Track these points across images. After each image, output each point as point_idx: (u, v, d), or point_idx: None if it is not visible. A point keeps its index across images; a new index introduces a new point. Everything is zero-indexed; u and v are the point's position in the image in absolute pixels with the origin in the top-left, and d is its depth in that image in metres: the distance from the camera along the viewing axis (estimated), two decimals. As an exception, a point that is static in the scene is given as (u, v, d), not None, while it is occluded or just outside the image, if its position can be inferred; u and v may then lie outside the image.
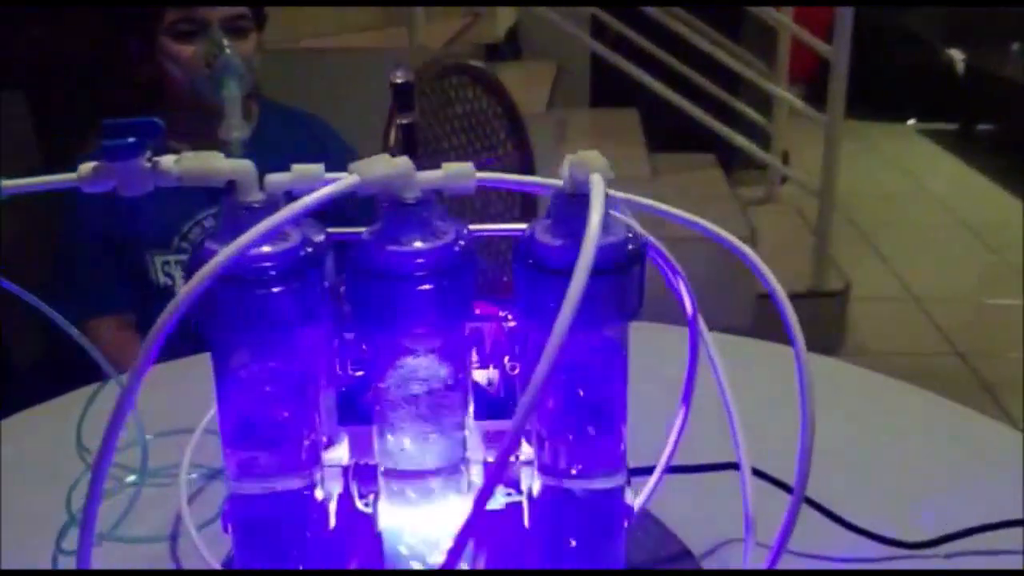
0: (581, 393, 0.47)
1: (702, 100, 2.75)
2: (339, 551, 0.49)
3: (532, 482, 0.49)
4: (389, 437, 0.47)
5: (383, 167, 0.43)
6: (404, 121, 0.55)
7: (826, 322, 2.60)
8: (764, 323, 2.57)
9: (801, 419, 0.45)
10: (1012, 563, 0.61)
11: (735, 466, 0.70)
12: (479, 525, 0.44)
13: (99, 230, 1.31)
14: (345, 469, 0.51)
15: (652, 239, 0.51)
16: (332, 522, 0.49)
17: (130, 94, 1.42)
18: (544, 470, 0.48)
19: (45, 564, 0.60)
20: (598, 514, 0.49)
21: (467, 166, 0.50)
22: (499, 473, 0.40)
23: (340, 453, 0.52)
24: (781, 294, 0.47)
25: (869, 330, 2.69)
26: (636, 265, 0.44)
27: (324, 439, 0.54)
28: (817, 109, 2.60)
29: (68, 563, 0.60)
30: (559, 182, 0.45)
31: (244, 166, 0.44)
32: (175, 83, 1.28)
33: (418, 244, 0.44)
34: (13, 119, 1.62)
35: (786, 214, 3.20)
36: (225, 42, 1.25)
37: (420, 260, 0.44)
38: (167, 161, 0.44)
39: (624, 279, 0.44)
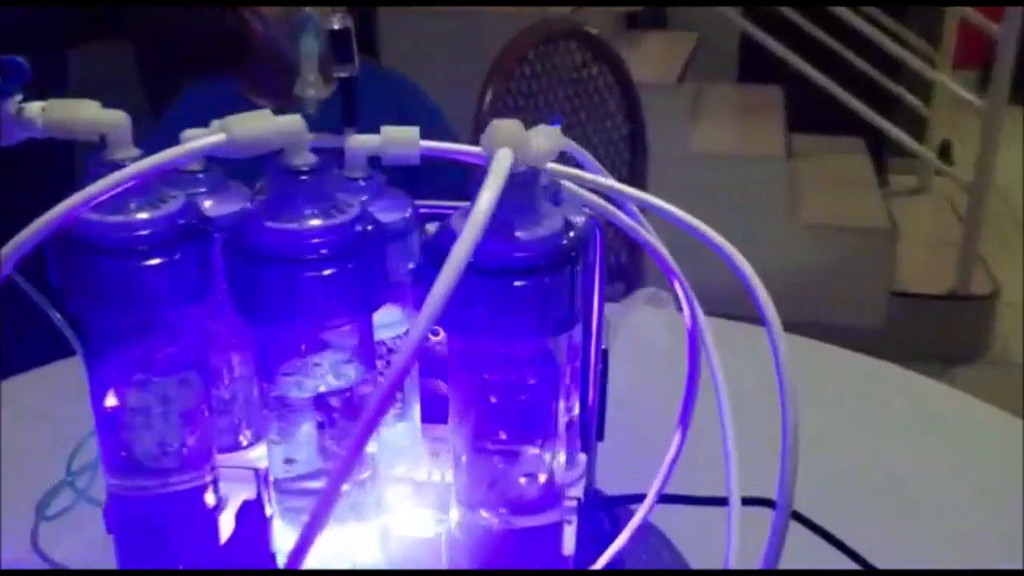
0: (500, 415, 0.39)
1: (856, 82, 2.55)
2: (226, 566, 0.43)
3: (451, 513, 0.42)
4: (280, 446, 0.40)
5: (260, 123, 0.36)
6: (342, 74, 0.48)
7: (967, 328, 2.38)
8: (898, 324, 2.38)
9: (782, 436, 0.36)
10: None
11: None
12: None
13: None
14: (258, 473, 0.45)
15: (647, 236, 0.43)
16: (223, 534, 0.43)
17: (217, 46, 1.41)
18: (460, 500, 0.41)
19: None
20: (523, 556, 0.41)
21: (411, 131, 0.44)
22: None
23: (259, 453, 0.46)
24: (753, 279, 0.37)
25: (1017, 340, 2.44)
26: (562, 268, 0.36)
27: (245, 438, 0.48)
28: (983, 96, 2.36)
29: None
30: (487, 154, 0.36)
31: (117, 119, 0.38)
32: (256, 37, 1.25)
33: (312, 221, 0.37)
34: (121, 65, 1.64)
35: (939, 208, 2.95)
36: (304, -4, 1.20)
37: (315, 240, 0.37)
38: (33, 108, 0.38)
39: (540, 282, 0.35)
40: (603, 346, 0.65)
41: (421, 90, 1.44)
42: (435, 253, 0.36)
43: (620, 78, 1.73)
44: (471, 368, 0.37)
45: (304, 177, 0.37)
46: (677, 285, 0.43)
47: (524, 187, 0.36)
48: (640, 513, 0.50)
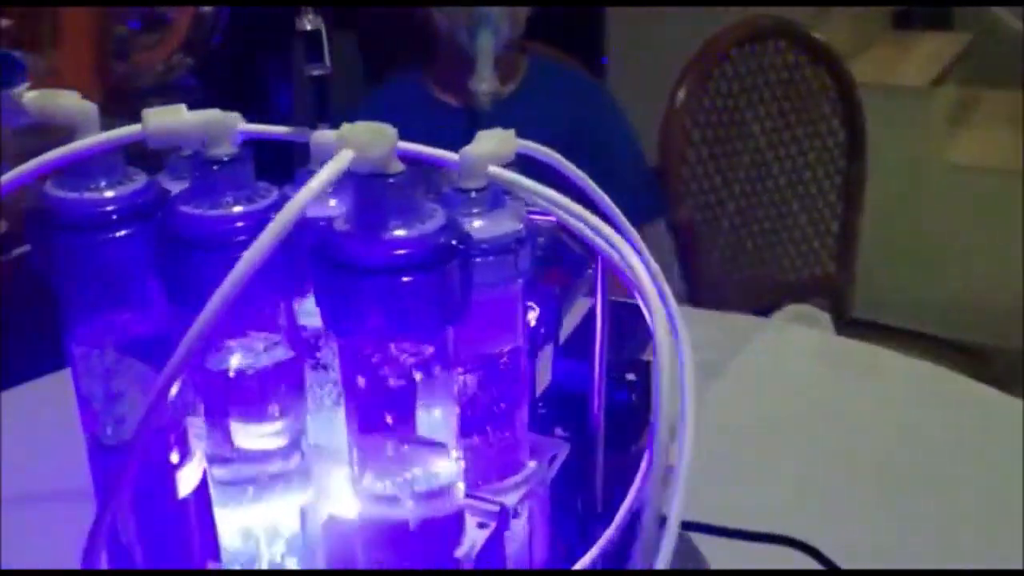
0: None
1: None
2: (183, 523, 0.46)
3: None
4: (202, 420, 0.43)
5: (172, 117, 0.39)
6: (315, 73, 0.49)
7: None
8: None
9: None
10: None
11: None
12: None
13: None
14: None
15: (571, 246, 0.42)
16: (181, 490, 0.46)
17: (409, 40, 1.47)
18: (354, 484, 0.41)
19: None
20: (418, 547, 0.41)
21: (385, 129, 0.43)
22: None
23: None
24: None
25: None
26: (422, 269, 0.35)
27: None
28: None
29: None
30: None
31: (85, 108, 0.42)
32: (440, 32, 1.30)
33: (233, 208, 0.39)
34: (346, 57, 1.76)
35: None
36: (485, -9, 1.24)
37: (235, 224, 0.39)
38: (24, 95, 0.43)
39: (389, 283, 0.35)
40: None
41: (603, 88, 1.43)
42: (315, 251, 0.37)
43: (838, 80, 1.63)
44: (345, 358, 0.38)
45: (217, 168, 0.39)
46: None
47: (397, 188, 0.36)
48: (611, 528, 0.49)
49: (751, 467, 0.73)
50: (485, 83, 1.24)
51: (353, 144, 0.34)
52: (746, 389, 0.84)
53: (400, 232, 0.35)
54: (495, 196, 0.42)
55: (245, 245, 0.33)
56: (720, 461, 0.73)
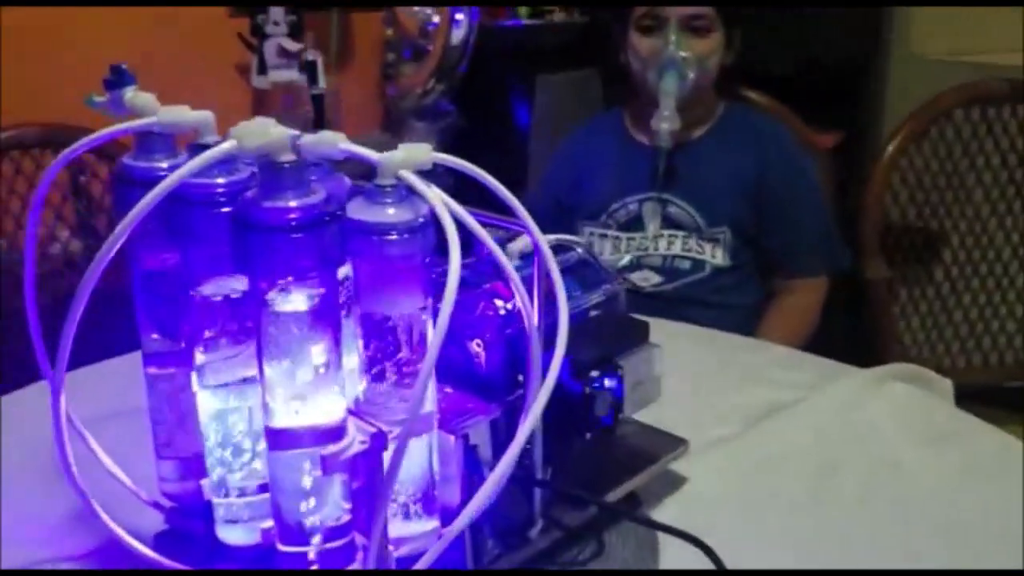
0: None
1: None
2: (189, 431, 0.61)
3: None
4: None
5: (258, 134, 0.52)
6: (314, 92, 0.63)
7: None
8: None
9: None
10: None
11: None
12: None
13: (553, 192, 1.51)
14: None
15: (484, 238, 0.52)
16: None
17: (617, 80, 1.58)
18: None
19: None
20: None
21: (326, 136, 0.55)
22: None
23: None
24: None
25: None
26: (302, 230, 0.48)
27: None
28: None
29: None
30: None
31: (203, 117, 0.56)
32: (635, 74, 1.40)
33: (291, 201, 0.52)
34: (587, 91, 1.90)
35: None
36: (673, 38, 1.32)
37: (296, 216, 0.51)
38: (135, 98, 0.60)
39: (280, 237, 0.47)
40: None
41: (792, 137, 1.46)
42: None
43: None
44: (254, 298, 0.51)
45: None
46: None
47: (289, 171, 0.48)
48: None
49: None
50: (666, 123, 1.33)
51: (236, 135, 0.47)
52: (797, 434, 0.87)
53: (290, 202, 0.48)
54: (403, 192, 0.53)
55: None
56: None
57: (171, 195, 0.50)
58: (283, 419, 0.52)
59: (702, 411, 0.92)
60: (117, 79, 0.60)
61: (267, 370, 0.51)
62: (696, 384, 0.99)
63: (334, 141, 0.53)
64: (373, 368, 0.55)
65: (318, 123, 0.66)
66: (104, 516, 0.55)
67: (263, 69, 1.92)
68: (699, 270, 1.40)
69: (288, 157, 0.49)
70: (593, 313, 0.73)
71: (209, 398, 0.58)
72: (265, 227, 0.48)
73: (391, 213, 0.53)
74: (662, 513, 0.75)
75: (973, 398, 1.03)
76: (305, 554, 0.55)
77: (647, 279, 1.42)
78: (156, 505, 0.68)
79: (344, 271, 0.55)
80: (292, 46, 1.91)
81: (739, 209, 1.39)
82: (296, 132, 0.50)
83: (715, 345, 1.11)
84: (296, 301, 0.50)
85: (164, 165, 0.57)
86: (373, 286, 0.54)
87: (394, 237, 0.52)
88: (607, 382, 0.68)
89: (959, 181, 1.54)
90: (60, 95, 1.40)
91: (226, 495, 0.59)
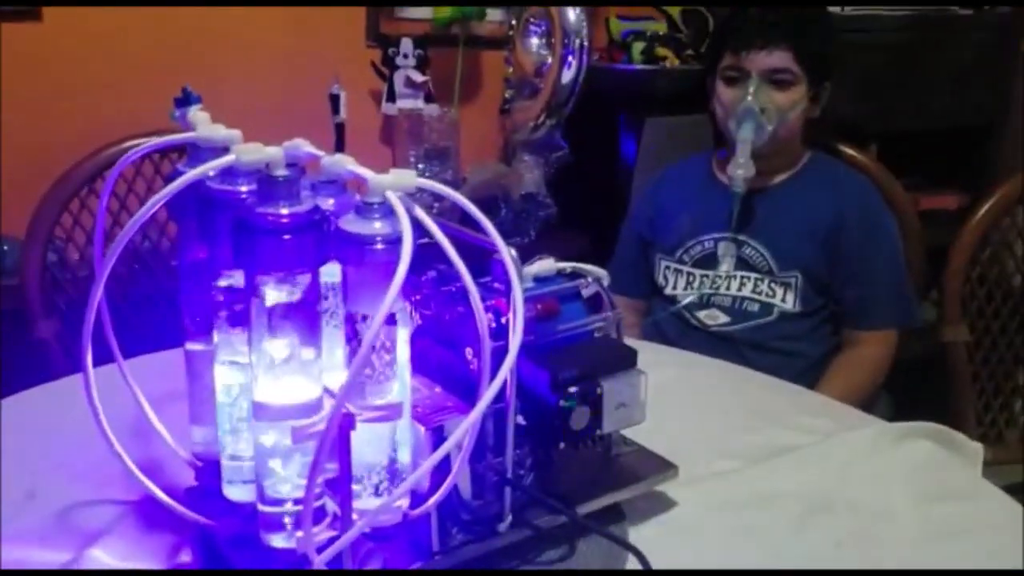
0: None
1: None
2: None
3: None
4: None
5: (256, 154, 0.63)
6: (336, 121, 0.72)
7: None
8: None
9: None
10: None
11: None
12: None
13: (638, 230, 1.57)
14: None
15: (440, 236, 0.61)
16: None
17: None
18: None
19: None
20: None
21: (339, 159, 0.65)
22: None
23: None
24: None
25: None
26: (291, 233, 0.57)
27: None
28: None
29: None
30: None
31: (232, 134, 0.67)
32: (719, 122, 1.45)
33: (284, 208, 0.62)
34: (696, 134, 1.94)
35: None
36: (752, 90, 1.37)
37: (285, 220, 0.62)
38: (192, 114, 0.72)
39: (272, 240, 0.57)
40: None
41: (874, 192, 1.46)
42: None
43: None
44: (249, 288, 0.61)
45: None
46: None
47: (281, 183, 0.58)
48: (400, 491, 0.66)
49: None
50: (741, 169, 1.38)
51: (236, 152, 0.57)
52: (797, 475, 0.90)
53: (282, 209, 0.58)
54: (388, 209, 0.61)
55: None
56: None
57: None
58: (264, 394, 0.61)
59: (713, 445, 0.96)
60: (185, 99, 0.72)
61: (254, 351, 0.61)
62: (717, 420, 1.03)
63: (344, 163, 0.63)
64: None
65: (339, 148, 0.76)
66: (132, 467, 0.67)
67: (392, 97, 2.07)
68: (767, 314, 1.43)
69: (281, 172, 0.59)
70: (593, 335, 0.80)
71: (222, 373, 0.68)
72: (258, 229, 0.58)
73: (376, 227, 0.61)
74: (641, 531, 0.81)
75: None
76: (281, 516, 0.64)
77: (714, 317, 1.45)
78: (193, 465, 0.79)
79: (332, 274, 0.64)
80: (418, 77, 2.05)
81: (811, 255, 1.41)
82: (291, 149, 0.60)
83: (749, 385, 1.15)
84: (281, 294, 0.60)
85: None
86: (357, 288, 0.63)
87: (377, 247, 0.61)
88: (585, 398, 0.74)
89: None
90: (208, 105, 1.57)
91: (230, 458, 0.69)
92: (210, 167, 0.58)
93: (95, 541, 0.77)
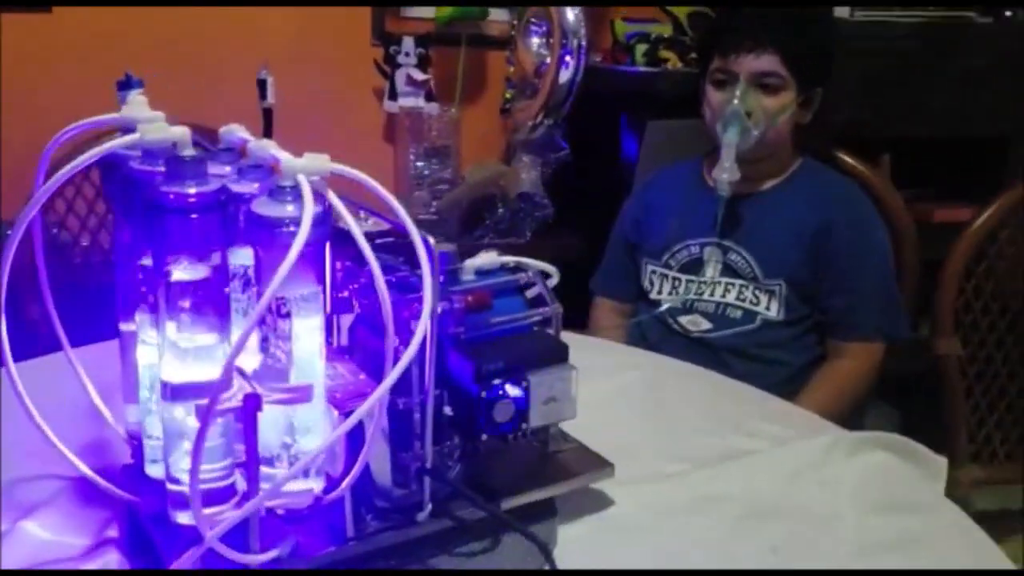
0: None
1: None
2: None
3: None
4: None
5: (159, 133, 0.63)
6: (264, 107, 0.72)
7: None
8: None
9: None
10: None
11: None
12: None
13: (625, 230, 1.57)
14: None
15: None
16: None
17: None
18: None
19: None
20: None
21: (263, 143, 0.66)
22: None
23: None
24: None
25: None
26: (199, 212, 0.58)
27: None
28: None
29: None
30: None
31: (180, 132, 0.67)
32: (707, 125, 1.44)
33: (191, 188, 0.63)
34: (691, 139, 1.92)
35: None
36: (738, 93, 1.35)
37: (191, 199, 0.63)
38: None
39: (179, 218, 0.58)
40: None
41: (865, 201, 1.44)
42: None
43: None
44: (157, 270, 0.61)
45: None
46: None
47: (190, 163, 0.58)
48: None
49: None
50: (726, 174, 1.37)
51: (141, 131, 0.58)
52: (741, 480, 0.89)
53: (188, 188, 0.58)
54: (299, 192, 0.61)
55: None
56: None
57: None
58: (169, 374, 0.61)
59: (663, 447, 0.95)
60: (127, 83, 0.72)
61: (161, 331, 0.61)
62: (672, 423, 1.02)
63: (267, 147, 0.64)
64: (267, 344, 0.64)
65: (267, 133, 0.77)
66: (57, 442, 0.68)
67: (393, 95, 2.08)
68: (749, 321, 1.41)
69: (189, 152, 0.59)
70: (531, 330, 0.79)
71: (142, 352, 0.69)
72: (162, 207, 0.59)
73: (288, 210, 0.61)
74: (571, 529, 0.80)
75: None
76: (185, 493, 0.64)
77: (696, 324, 1.44)
78: (129, 443, 0.79)
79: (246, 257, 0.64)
80: (419, 76, 2.06)
81: (796, 263, 1.39)
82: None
83: (716, 390, 1.13)
84: (185, 273, 0.60)
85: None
86: (269, 272, 0.63)
87: (288, 229, 0.61)
88: (510, 390, 0.74)
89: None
90: (211, 99, 1.58)
91: (150, 437, 0.70)
92: (112, 146, 0.59)
93: (30, 513, 0.78)
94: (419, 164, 2.01)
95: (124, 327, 0.74)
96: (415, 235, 0.63)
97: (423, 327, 0.62)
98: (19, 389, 0.66)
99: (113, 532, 0.76)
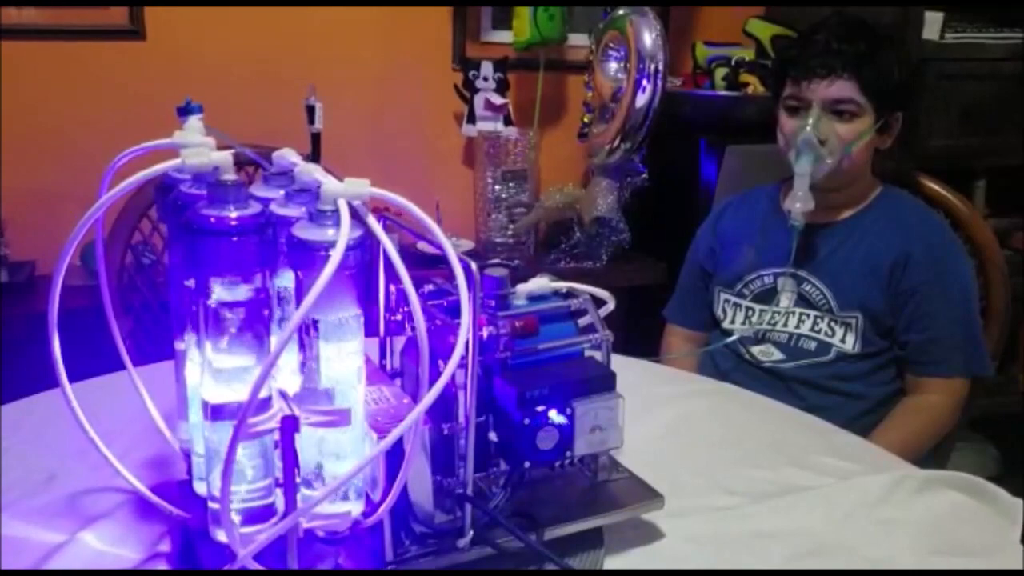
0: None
1: None
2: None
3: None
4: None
5: (201, 158, 0.65)
6: (313, 131, 0.73)
7: None
8: None
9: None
10: None
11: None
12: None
13: (699, 260, 1.54)
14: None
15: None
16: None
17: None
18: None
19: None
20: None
21: (309, 167, 0.67)
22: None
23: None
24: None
25: None
26: (239, 235, 0.59)
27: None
28: None
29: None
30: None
31: (223, 157, 0.69)
32: (782, 153, 1.40)
33: (231, 212, 0.65)
34: (767, 163, 1.88)
35: None
36: (811, 121, 1.31)
37: (231, 223, 0.64)
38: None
39: (218, 240, 0.59)
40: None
41: (948, 234, 1.38)
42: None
43: None
44: (200, 291, 0.63)
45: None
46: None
47: (230, 188, 0.60)
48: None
49: None
50: (799, 203, 1.33)
51: (183, 156, 0.59)
52: (796, 517, 0.86)
53: (229, 212, 0.60)
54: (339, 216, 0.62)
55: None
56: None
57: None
58: (209, 394, 0.63)
59: (719, 479, 0.93)
60: (186, 109, 0.75)
61: (202, 351, 0.63)
62: (732, 454, 1.00)
63: (312, 170, 0.65)
64: (306, 367, 0.65)
65: (314, 156, 0.78)
66: (112, 459, 0.70)
67: (472, 119, 2.10)
68: (823, 353, 1.37)
69: (229, 176, 0.60)
70: (582, 356, 0.79)
71: (191, 371, 0.70)
72: (201, 230, 0.60)
73: (329, 233, 0.62)
74: (619, 559, 0.79)
75: None
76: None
77: (768, 354, 1.40)
78: (184, 458, 0.81)
79: (289, 280, 0.65)
80: (497, 100, 2.08)
81: (873, 295, 1.34)
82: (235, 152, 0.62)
83: (782, 422, 1.10)
84: (224, 294, 0.61)
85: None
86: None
87: (327, 253, 0.62)
88: (554, 417, 0.73)
89: None
90: (288, 124, 1.63)
91: (198, 454, 0.71)
92: (150, 172, 0.61)
93: (89, 525, 0.81)
94: (497, 187, 2.02)
95: (177, 345, 0.76)
96: (453, 259, 0.63)
97: (459, 350, 0.62)
98: (73, 405, 0.69)
99: (165, 546, 0.78)
